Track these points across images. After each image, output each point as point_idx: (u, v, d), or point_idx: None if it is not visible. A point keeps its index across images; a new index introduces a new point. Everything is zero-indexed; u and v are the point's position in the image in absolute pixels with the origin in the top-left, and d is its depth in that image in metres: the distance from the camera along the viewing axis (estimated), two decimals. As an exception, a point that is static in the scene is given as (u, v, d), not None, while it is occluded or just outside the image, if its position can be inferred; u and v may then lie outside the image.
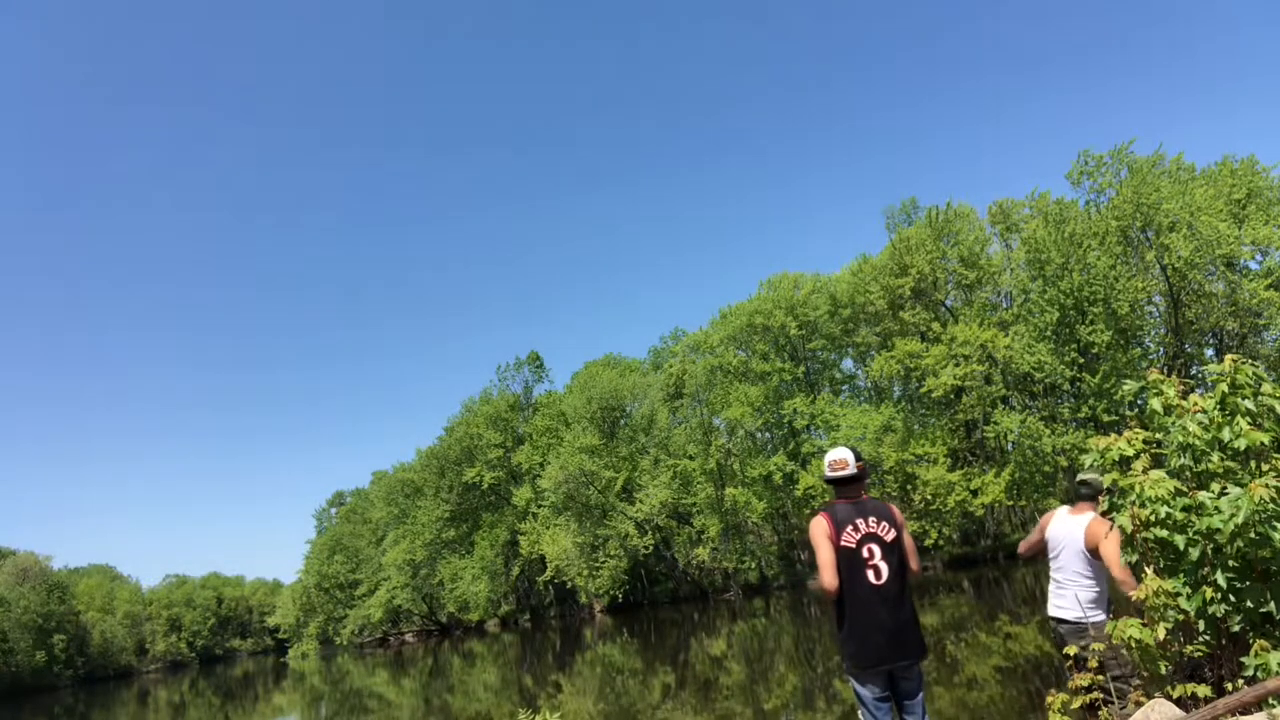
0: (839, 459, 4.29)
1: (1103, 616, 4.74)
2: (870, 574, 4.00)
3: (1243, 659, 3.98)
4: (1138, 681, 4.63)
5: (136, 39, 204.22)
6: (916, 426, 34.68)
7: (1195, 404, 4.58)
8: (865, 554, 4.02)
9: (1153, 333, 32.60)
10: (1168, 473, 4.55)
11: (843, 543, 4.04)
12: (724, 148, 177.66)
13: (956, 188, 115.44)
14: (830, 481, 4.28)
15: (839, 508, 4.17)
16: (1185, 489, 4.43)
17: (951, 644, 14.55)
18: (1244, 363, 4.53)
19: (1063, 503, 33.49)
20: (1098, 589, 4.79)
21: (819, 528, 4.12)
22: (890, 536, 4.08)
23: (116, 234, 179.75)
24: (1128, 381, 5.27)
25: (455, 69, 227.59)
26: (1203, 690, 4.08)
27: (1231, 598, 4.13)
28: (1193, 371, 29.38)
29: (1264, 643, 3.91)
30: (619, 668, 20.62)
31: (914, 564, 4.17)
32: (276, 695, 35.24)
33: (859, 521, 4.08)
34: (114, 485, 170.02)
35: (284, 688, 38.67)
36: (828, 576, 4.05)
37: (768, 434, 41.19)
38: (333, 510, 77.99)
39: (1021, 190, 62.37)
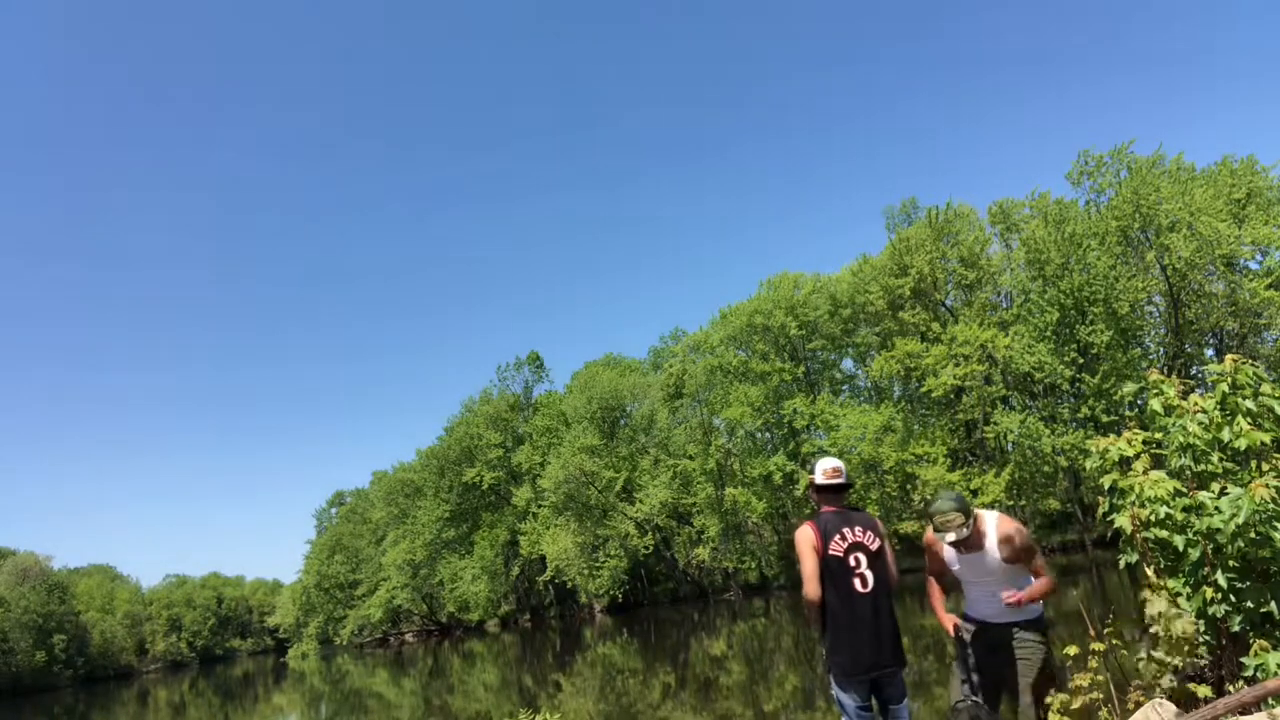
0: (835, 467, 4.32)
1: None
2: (857, 582, 4.04)
3: (1243, 659, 3.98)
4: (1138, 681, 4.61)
5: (140, 34, 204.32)
6: (916, 426, 34.66)
7: (1195, 404, 4.59)
8: (852, 563, 4.06)
9: (1153, 333, 32.59)
10: (1168, 473, 4.55)
11: (830, 551, 4.07)
12: (724, 147, 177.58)
13: (956, 188, 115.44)
14: (820, 489, 4.30)
15: (825, 517, 4.20)
16: (1185, 489, 4.43)
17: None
18: (1244, 363, 4.54)
19: (1059, 505, 32.36)
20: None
21: (805, 538, 4.15)
22: (875, 546, 4.12)
23: (115, 231, 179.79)
24: (1128, 382, 5.29)
25: (454, 68, 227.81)
26: (1203, 690, 4.08)
27: (1232, 598, 4.14)
28: (1193, 371, 29.35)
29: (1264, 643, 3.92)
30: (619, 668, 20.62)
31: (894, 573, 4.21)
32: (276, 695, 35.24)
33: (846, 530, 4.11)
34: (114, 485, 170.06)
35: (284, 688, 38.67)
36: (811, 587, 4.09)
37: (768, 434, 41.15)
38: (333, 510, 77.92)
39: (1021, 190, 62.29)
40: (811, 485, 4.38)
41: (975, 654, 4.23)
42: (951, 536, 4.07)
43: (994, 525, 4.19)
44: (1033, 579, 4.19)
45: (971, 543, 4.17)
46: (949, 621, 4.35)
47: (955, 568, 4.35)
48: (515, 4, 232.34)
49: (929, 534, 4.34)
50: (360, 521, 67.88)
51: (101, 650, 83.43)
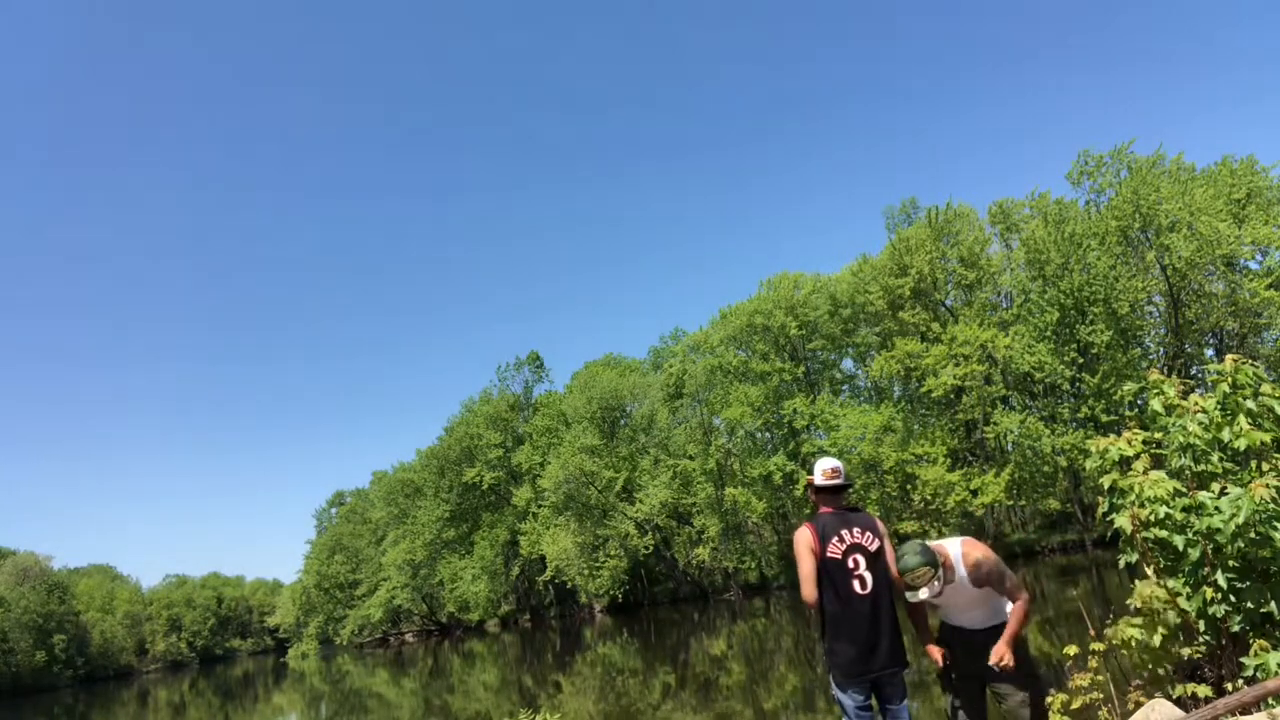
0: (833, 468, 4.30)
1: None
2: (856, 584, 4.03)
3: (1243, 659, 3.98)
4: (1138, 681, 4.62)
5: (135, 32, 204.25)
6: (916, 426, 34.64)
7: (1195, 404, 4.59)
8: (851, 564, 4.05)
9: (1153, 333, 32.58)
10: (1168, 473, 4.55)
11: (829, 554, 4.06)
12: (724, 147, 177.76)
13: (956, 188, 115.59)
14: (819, 490, 4.29)
15: (824, 518, 4.19)
16: (1185, 489, 4.43)
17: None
18: (1245, 363, 4.54)
19: (1057, 506, 32.20)
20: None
21: (803, 540, 4.14)
22: (874, 547, 4.11)
23: (115, 230, 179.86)
24: (1128, 382, 5.26)
25: (454, 67, 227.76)
26: (1203, 690, 4.08)
27: (1232, 598, 4.13)
28: (1193, 371, 29.35)
29: (1264, 643, 3.92)
30: (619, 668, 20.62)
31: (895, 574, 4.17)
32: (276, 695, 35.24)
33: (844, 532, 4.10)
34: (114, 485, 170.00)
35: (284, 688, 38.67)
36: (808, 589, 4.09)
37: (768, 434, 41.14)
38: (333, 510, 77.96)
39: (1021, 190, 62.43)
40: (810, 486, 4.38)
41: (958, 658, 4.21)
42: (925, 593, 3.94)
43: (959, 554, 4.10)
44: (1007, 601, 4.12)
45: (944, 581, 4.06)
46: (937, 653, 4.27)
47: (933, 603, 4.26)
48: (517, 2, 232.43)
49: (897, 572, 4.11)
50: (360, 521, 67.88)
51: (101, 650, 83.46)
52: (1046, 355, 30.22)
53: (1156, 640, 4.36)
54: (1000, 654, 3.96)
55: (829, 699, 11.58)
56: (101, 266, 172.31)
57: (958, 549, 4.13)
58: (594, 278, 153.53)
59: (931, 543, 4.12)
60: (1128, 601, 4.53)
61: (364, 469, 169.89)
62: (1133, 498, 4.49)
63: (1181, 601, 4.33)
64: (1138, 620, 4.50)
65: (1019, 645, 4.13)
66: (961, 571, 4.08)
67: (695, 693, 14.33)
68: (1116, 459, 4.81)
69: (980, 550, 4.11)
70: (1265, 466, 4.33)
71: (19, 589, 75.67)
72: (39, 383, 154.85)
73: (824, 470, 4.29)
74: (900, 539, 32.43)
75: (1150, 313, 32.07)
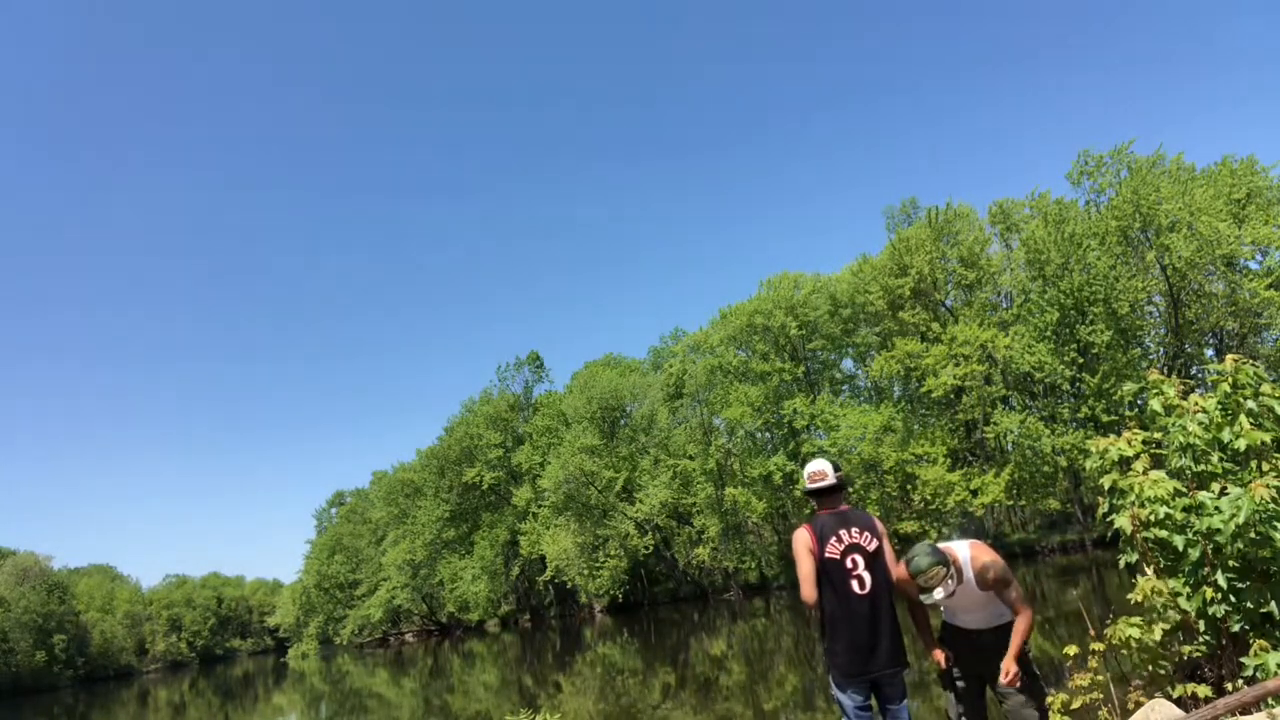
0: (818, 470, 4.28)
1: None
2: (855, 584, 4.03)
3: (1243, 659, 3.97)
4: (1138, 681, 4.62)
5: (124, 30, 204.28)
6: (916, 426, 34.64)
7: (1195, 404, 4.59)
8: (849, 565, 4.05)
9: (1153, 333, 32.57)
10: (1168, 473, 4.55)
11: (827, 554, 4.06)
12: (724, 147, 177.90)
13: (956, 188, 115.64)
14: (810, 494, 4.30)
15: (822, 519, 4.19)
16: (1185, 489, 4.43)
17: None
18: (1245, 363, 4.53)
19: (1057, 505, 32.16)
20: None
21: (801, 541, 4.15)
22: (873, 547, 4.10)
23: (115, 227, 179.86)
24: (1128, 382, 5.25)
25: (455, 66, 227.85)
26: (1203, 690, 4.08)
27: (1232, 598, 4.13)
28: (1193, 371, 29.34)
29: (1264, 643, 3.92)
30: (619, 668, 20.61)
31: (894, 574, 4.18)
32: (277, 695, 35.24)
33: (842, 532, 4.10)
34: (114, 485, 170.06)
35: (284, 688, 38.67)
36: (807, 590, 4.09)
37: (768, 434, 41.12)
38: (333, 510, 77.93)
39: (1021, 190, 62.41)
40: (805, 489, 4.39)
41: (961, 658, 4.21)
42: (940, 593, 3.95)
43: (968, 556, 4.13)
44: (1008, 610, 4.12)
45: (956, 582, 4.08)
46: (940, 655, 4.27)
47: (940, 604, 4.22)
48: (517, 2, 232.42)
49: (901, 570, 4.10)
50: (360, 521, 67.86)
51: (101, 650, 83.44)
52: (1046, 355, 30.21)
53: (1157, 634, 4.36)
54: (1009, 670, 3.94)
55: (829, 699, 11.57)
56: (102, 266, 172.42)
57: (966, 551, 4.14)
58: (594, 278, 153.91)
59: (940, 544, 4.13)
60: (1129, 596, 4.53)
61: (364, 469, 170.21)
62: (1133, 498, 4.49)
63: (1181, 601, 4.33)
64: (1136, 619, 4.50)
65: (1021, 652, 4.12)
66: (969, 574, 4.10)
67: (695, 693, 14.33)
68: (1116, 459, 4.81)
69: (988, 554, 4.12)
70: (1265, 466, 4.33)
71: (19, 589, 75.64)
72: (39, 382, 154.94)
73: (810, 473, 4.30)
74: (901, 540, 32.49)
75: (1150, 313, 32.06)
